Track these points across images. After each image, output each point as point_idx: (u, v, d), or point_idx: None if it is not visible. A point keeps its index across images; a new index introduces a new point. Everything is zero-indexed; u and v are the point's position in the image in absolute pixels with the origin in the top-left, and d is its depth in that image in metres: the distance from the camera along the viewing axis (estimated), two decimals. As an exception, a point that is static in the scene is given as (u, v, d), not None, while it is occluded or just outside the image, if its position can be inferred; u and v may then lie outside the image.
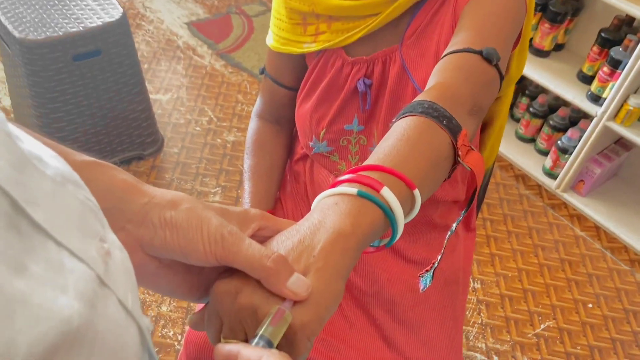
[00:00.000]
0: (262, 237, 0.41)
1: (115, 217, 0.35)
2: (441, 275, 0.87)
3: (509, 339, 1.54)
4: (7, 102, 2.01)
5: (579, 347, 1.54)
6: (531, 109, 1.99)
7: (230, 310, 0.36)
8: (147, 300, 1.51)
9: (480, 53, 0.58)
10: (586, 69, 1.81)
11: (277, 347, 0.35)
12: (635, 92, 1.63)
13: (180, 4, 2.63)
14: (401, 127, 0.49)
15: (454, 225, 0.53)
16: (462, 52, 0.59)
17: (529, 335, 1.55)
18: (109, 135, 1.73)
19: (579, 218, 1.88)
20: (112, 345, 0.24)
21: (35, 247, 0.21)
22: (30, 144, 0.25)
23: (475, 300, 1.62)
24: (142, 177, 1.82)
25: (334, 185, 0.43)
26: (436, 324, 0.86)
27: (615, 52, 1.67)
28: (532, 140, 2.05)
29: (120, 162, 1.82)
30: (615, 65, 1.66)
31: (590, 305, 1.64)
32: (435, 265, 0.50)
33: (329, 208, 0.40)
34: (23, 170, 0.22)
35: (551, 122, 1.94)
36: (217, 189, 1.83)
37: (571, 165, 1.82)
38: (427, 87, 0.56)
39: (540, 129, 2.01)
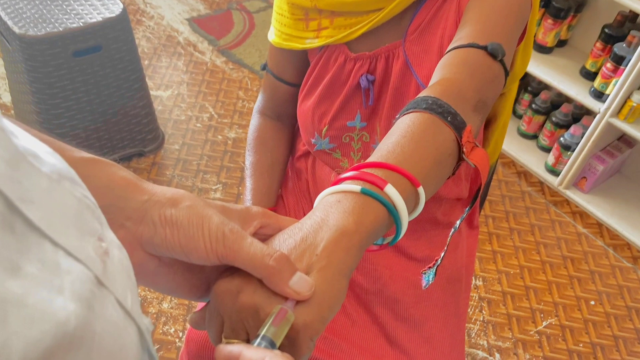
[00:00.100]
0: (264, 235, 0.40)
1: (114, 214, 0.34)
2: (444, 273, 0.86)
3: (510, 336, 1.53)
4: (7, 98, 2.00)
5: (581, 345, 1.53)
6: (533, 106, 1.98)
7: (231, 309, 0.36)
8: (148, 297, 1.50)
9: (485, 48, 0.57)
10: (589, 65, 1.80)
11: (279, 347, 0.34)
12: (638, 89, 1.62)
13: (180, -1, 2.62)
14: (405, 124, 0.48)
15: (458, 222, 0.52)
16: (466, 47, 0.58)
17: (531, 332, 1.55)
18: (109, 131, 1.73)
19: (582, 215, 1.88)
20: (110, 347, 0.24)
21: (30, 247, 0.20)
22: (26, 140, 0.24)
23: (477, 298, 1.61)
24: (143, 174, 1.81)
25: (336, 183, 0.42)
26: (439, 321, 0.85)
27: (619, 48, 1.66)
28: (534, 137, 2.04)
29: (120, 159, 1.81)
30: (619, 61, 1.65)
31: (592, 303, 1.63)
32: (439, 262, 0.50)
33: (332, 206, 0.39)
34: (17, 167, 0.21)
35: (554, 119, 1.93)
36: (218, 185, 1.82)
37: (574, 162, 1.81)
38: (431, 82, 0.56)
39: (542, 126, 2.00)
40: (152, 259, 0.37)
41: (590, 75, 1.80)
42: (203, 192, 1.79)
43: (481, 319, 1.56)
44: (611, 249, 1.79)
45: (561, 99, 1.99)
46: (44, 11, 1.53)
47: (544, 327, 1.56)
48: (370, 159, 0.44)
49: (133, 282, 0.29)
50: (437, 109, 0.49)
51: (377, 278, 0.85)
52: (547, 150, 1.97)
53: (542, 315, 1.59)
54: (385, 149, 0.46)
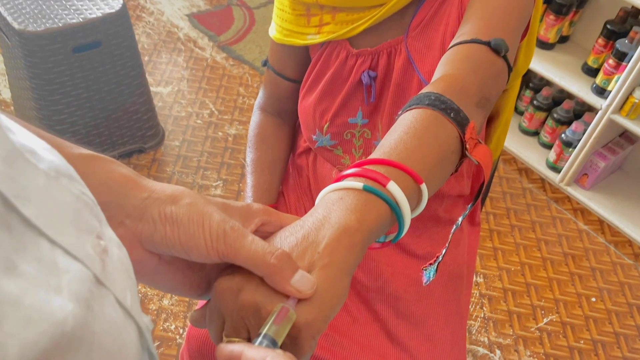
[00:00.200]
0: (265, 233, 0.40)
1: (114, 212, 0.34)
2: (445, 270, 0.86)
3: (511, 333, 1.53)
4: (7, 94, 1.99)
5: (582, 342, 1.53)
6: (535, 102, 1.97)
7: (232, 308, 0.35)
8: (149, 294, 1.50)
9: (488, 44, 0.57)
10: (591, 62, 1.79)
11: (281, 346, 0.34)
12: (641, 85, 1.62)
13: (181, -5, 2.61)
14: (408, 120, 0.48)
15: (460, 219, 0.52)
16: (469, 42, 0.57)
17: (532, 329, 1.55)
18: (109, 128, 1.72)
19: (583, 212, 1.87)
20: (109, 347, 0.23)
21: (26, 245, 0.20)
22: (23, 136, 0.24)
23: (478, 294, 1.61)
24: (143, 171, 1.81)
25: (338, 180, 0.42)
26: (440, 318, 0.85)
27: (621, 44, 1.65)
28: (535, 134, 2.04)
29: (120, 155, 1.81)
30: (621, 57, 1.64)
31: (593, 299, 1.63)
32: (440, 259, 0.49)
33: (334, 203, 0.39)
34: (13, 164, 0.21)
35: (555, 115, 1.92)
36: (219, 182, 1.82)
37: (575, 158, 1.81)
38: (433, 78, 0.55)
39: (544, 122, 1.99)
40: (152, 257, 0.36)
41: (592, 72, 1.79)
42: (203, 189, 1.79)
43: (482, 315, 1.56)
44: (612, 245, 1.78)
45: (563, 95, 1.99)
46: (44, 7, 1.52)
47: (545, 324, 1.56)
48: (373, 156, 0.44)
49: (133, 281, 0.29)
50: (440, 105, 0.48)
51: (379, 275, 0.85)
52: (549, 146, 1.97)
53: (543, 312, 1.59)
54: (387, 145, 0.45)
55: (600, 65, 1.74)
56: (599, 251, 1.76)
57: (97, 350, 0.22)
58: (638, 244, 1.78)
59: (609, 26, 1.71)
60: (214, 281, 0.37)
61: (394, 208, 0.40)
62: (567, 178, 1.87)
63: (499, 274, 1.67)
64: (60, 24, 1.46)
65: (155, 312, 1.46)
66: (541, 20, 1.86)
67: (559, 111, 1.92)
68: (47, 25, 1.46)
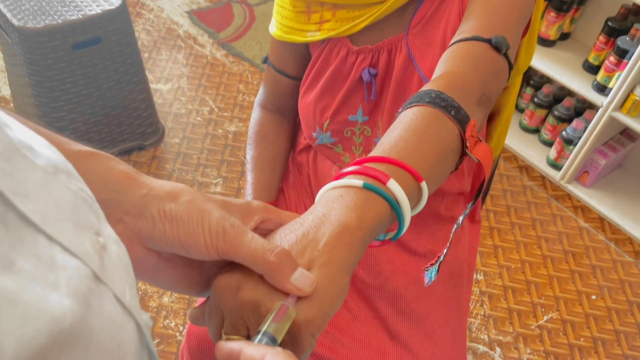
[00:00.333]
0: (265, 230, 0.40)
1: (112, 209, 0.34)
2: (446, 268, 0.86)
3: (511, 331, 1.53)
4: (6, 91, 1.99)
5: (582, 339, 1.53)
6: (536, 99, 1.97)
7: (231, 305, 0.35)
8: (149, 291, 1.50)
9: (489, 41, 0.56)
10: (592, 59, 1.78)
11: (281, 344, 0.34)
12: (642, 82, 1.61)
13: (181, -8, 2.60)
14: (408, 118, 0.47)
15: (461, 218, 0.52)
16: (470, 40, 0.57)
17: (532, 326, 1.55)
18: (109, 125, 1.72)
19: (583, 209, 1.87)
20: (108, 344, 0.23)
21: (24, 242, 0.20)
22: (21, 132, 0.24)
23: (478, 292, 1.61)
24: (143, 168, 1.81)
25: (338, 177, 0.41)
26: (440, 316, 0.85)
27: (622, 41, 1.64)
28: (536, 131, 2.04)
29: (120, 153, 1.81)
30: (622, 54, 1.64)
31: (593, 297, 1.63)
32: (441, 259, 0.49)
33: (334, 201, 0.39)
34: (11, 160, 0.21)
35: (556, 113, 1.92)
36: (219, 179, 1.81)
37: (576, 156, 1.80)
38: (434, 75, 0.55)
39: (544, 120, 1.99)
40: (151, 254, 0.36)
41: (593, 69, 1.79)
42: (203, 186, 1.79)
43: (482, 313, 1.56)
44: (613, 243, 1.78)
45: (563, 92, 1.98)
46: (43, 3, 1.52)
47: (545, 321, 1.56)
48: (373, 153, 0.44)
49: (132, 278, 0.29)
50: (441, 102, 0.48)
51: (379, 272, 0.85)
52: (549, 144, 1.97)
53: (543, 309, 1.59)
54: (387, 143, 0.45)
55: (601, 63, 1.74)
56: (600, 249, 1.76)
57: (95, 347, 0.22)
58: (638, 241, 1.78)
59: (610, 23, 1.70)
60: (214, 279, 0.37)
61: (394, 206, 0.40)
62: (568, 176, 1.86)
63: (499, 271, 1.67)
64: (59, 21, 1.46)
65: (155, 310, 1.46)
66: (542, 18, 1.85)
67: (560, 109, 1.91)
68: (47, 22, 1.45)
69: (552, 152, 1.91)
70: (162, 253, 0.37)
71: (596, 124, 1.71)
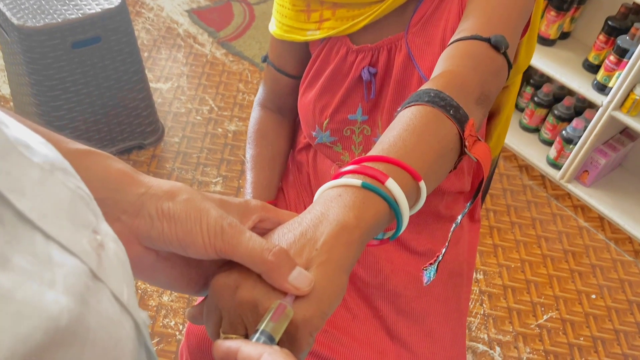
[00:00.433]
0: (263, 229, 0.40)
1: (110, 208, 0.34)
2: (445, 267, 0.86)
3: (511, 330, 1.53)
4: (6, 90, 1.99)
5: (582, 338, 1.53)
6: (536, 99, 1.97)
7: (229, 304, 0.35)
8: (149, 290, 1.50)
9: (488, 40, 0.56)
10: (592, 58, 1.78)
11: (278, 343, 0.34)
12: (642, 82, 1.61)
13: (181, -9, 2.60)
14: (407, 117, 0.47)
15: (459, 217, 0.52)
16: (469, 39, 0.57)
17: (532, 326, 1.55)
18: (108, 124, 1.72)
19: (583, 209, 1.87)
20: (105, 343, 0.23)
21: (20, 239, 0.20)
22: (17, 130, 0.23)
23: (477, 291, 1.61)
24: (143, 167, 1.81)
25: (337, 176, 0.41)
26: (440, 315, 0.85)
27: (622, 40, 1.64)
28: (536, 130, 2.03)
29: (120, 152, 1.81)
30: (622, 54, 1.64)
31: (593, 296, 1.63)
32: (440, 258, 0.49)
33: (332, 200, 0.39)
34: (7, 158, 0.21)
35: (556, 112, 1.92)
36: (218, 178, 1.81)
37: (576, 155, 1.80)
38: (433, 74, 0.55)
39: (544, 119, 1.99)
40: (149, 253, 0.36)
41: (593, 68, 1.79)
42: (203, 185, 1.79)
43: (482, 312, 1.56)
44: (612, 242, 1.78)
45: (563, 92, 1.98)
46: (43, 2, 1.51)
47: (545, 320, 1.56)
48: (371, 153, 0.44)
49: (129, 276, 0.29)
50: (440, 102, 0.48)
51: (379, 271, 0.85)
52: (549, 143, 1.96)
53: (542, 308, 1.59)
54: (386, 142, 0.45)
55: (601, 62, 1.74)
56: (599, 248, 1.76)
57: (92, 345, 0.22)
58: (638, 240, 1.78)
59: (610, 22, 1.70)
60: (212, 277, 0.37)
61: (392, 205, 0.40)
62: (568, 175, 1.86)
63: (499, 270, 1.67)
64: (59, 20, 1.46)
65: (155, 309, 1.46)
66: (542, 17, 1.85)
67: (560, 108, 1.91)
68: (46, 20, 1.45)
69: (552, 152, 1.91)
70: (160, 252, 0.37)
71: (596, 123, 1.71)
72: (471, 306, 1.58)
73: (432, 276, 0.48)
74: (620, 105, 1.66)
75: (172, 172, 1.81)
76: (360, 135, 0.83)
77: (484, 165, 0.48)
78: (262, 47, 2.34)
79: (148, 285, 1.52)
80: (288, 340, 0.34)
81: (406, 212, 0.41)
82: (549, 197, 1.90)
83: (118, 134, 1.77)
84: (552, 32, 1.85)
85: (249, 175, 0.89)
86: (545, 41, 1.88)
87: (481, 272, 1.66)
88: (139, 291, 1.49)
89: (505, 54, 0.57)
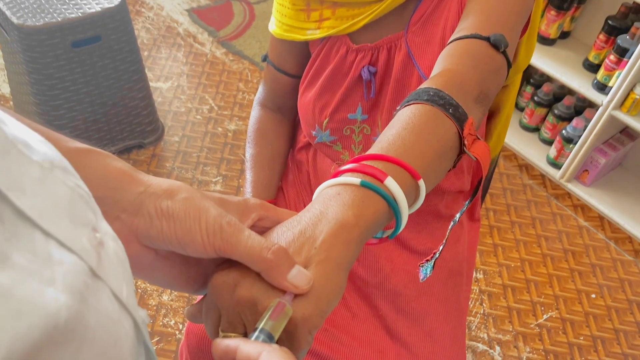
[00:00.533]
0: (262, 228, 0.40)
1: (109, 206, 0.34)
2: (445, 266, 0.86)
3: (511, 329, 1.53)
4: (6, 89, 1.99)
5: (581, 338, 1.53)
6: (536, 98, 1.97)
7: (228, 303, 0.35)
8: (149, 289, 1.50)
9: (487, 39, 0.56)
10: (592, 57, 1.78)
11: (277, 341, 0.34)
12: (642, 81, 1.61)
13: (181, -10, 2.60)
14: (406, 116, 0.47)
15: (458, 215, 0.52)
16: (469, 38, 0.57)
17: (532, 325, 1.55)
18: (108, 123, 1.72)
19: (583, 208, 1.87)
20: (104, 341, 0.23)
21: (19, 237, 0.20)
22: (16, 128, 0.23)
23: (477, 291, 1.61)
24: (143, 166, 1.81)
25: (336, 175, 0.41)
26: (440, 315, 0.85)
27: (622, 40, 1.64)
28: (536, 130, 2.03)
29: (120, 151, 1.81)
30: (622, 53, 1.64)
31: (593, 296, 1.63)
32: (437, 255, 0.49)
33: (331, 198, 0.39)
34: (6, 156, 0.21)
35: (556, 111, 1.92)
36: (218, 178, 1.81)
37: (576, 154, 1.80)
38: (433, 73, 0.55)
39: (544, 118, 1.99)
40: (148, 252, 0.36)
41: (593, 68, 1.78)
42: (203, 185, 1.79)
43: (482, 311, 1.56)
44: (612, 242, 1.78)
45: (564, 91, 1.98)
46: (42, 1, 1.51)
47: (545, 320, 1.56)
48: (371, 151, 0.44)
49: (129, 274, 0.29)
50: (439, 100, 0.48)
51: (378, 270, 0.85)
52: (549, 143, 1.96)
53: (542, 308, 1.59)
54: (385, 140, 0.45)
55: (602, 61, 1.74)
56: (599, 247, 1.76)
57: (90, 343, 0.22)
58: (638, 240, 1.78)
59: (610, 22, 1.70)
60: (211, 276, 0.37)
61: (391, 204, 0.40)
62: (568, 174, 1.86)
63: (498, 270, 1.67)
64: (59, 19, 1.46)
65: (154, 308, 1.46)
66: (542, 16, 1.85)
67: (560, 107, 1.91)
68: (46, 19, 1.45)
69: (552, 151, 1.91)
70: (160, 251, 0.37)
71: (596, 122, 1.71)
72: (471, 305, 1.58)
73: (428, 273, 0.48)
74: (620, 105, 1.66)
75: (172, 171, 1.81)
76: (360, 135, 0.83)
77: (483, 164, 0.48)
78: (262, 46, 2.34)
79: (148, 284, 1.52)
80: (287, 338, 0.34)
81: (405, 211, 0.41)
82: (549, 196, 1.90)
83: (118, 133, 1.77)
84: (552, 32, 1.85)
85: (248, 175, 0.89)
86: (545, 40, 1.88)
87: (481, 272, 1.66)
88: (139, 290, 1.49)
89: (504, 53, 0.57)
